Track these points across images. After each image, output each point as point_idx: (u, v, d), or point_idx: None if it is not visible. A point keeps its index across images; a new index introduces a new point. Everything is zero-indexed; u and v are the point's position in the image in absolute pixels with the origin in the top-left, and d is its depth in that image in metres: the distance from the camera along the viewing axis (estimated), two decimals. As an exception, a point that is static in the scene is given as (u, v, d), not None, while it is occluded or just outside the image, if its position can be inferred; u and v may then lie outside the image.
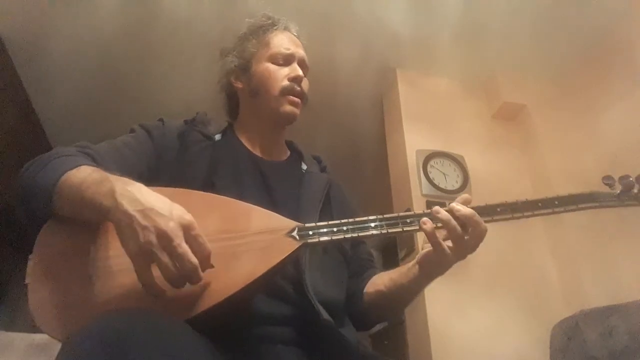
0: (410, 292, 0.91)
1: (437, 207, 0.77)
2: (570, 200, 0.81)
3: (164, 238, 0.60)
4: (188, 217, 0.64)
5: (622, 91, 2.25)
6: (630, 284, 1.92)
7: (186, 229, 0.63)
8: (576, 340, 1.72)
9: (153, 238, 0.60)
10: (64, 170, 0.72)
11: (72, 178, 0.71)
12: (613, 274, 2.04)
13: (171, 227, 0.61)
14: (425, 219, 0.76)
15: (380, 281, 0.95)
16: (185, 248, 0.61)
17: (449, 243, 0.77)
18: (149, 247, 0.60)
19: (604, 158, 2.21)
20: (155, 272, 0.62)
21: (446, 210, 0.76)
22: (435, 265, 0.82)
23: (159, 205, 0.63)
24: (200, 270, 0.62)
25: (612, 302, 1.70)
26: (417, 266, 0.86)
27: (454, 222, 0.75)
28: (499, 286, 2.13)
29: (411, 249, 2.21)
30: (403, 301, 0.96)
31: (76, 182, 0.70)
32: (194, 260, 0.61)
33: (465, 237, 0.76)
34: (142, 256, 0.61)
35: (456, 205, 0.76)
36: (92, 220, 0.71)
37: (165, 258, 0.60)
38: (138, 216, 0.62)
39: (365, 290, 0.96)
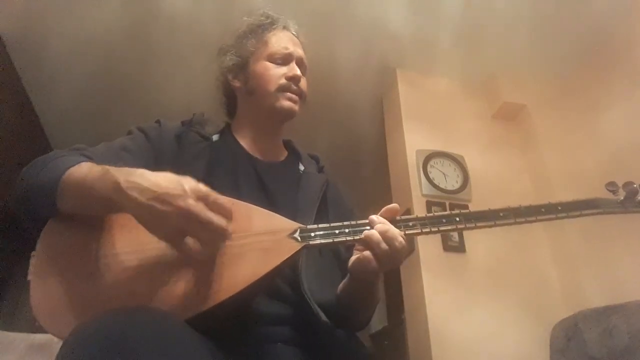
0: (353, 297, 0.87)
1: (372, 218, 0.76)
2: (573, 206, 0.81)
3: (189, 216, 0.62)
4: (201, 187, 0.65)
5: (623, 91, 2.25)
6: (630, 284, 1.92)
7: (204, 200, 0.64)
8: (576, 340, 1.72)
9: (179, 220, 0.62)
10: (65, 168, 0.73)
11: (75, 174, 0.72)
12: (613, 274, 2.04)
13: (191, 204, 0.62)
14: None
15: (341, 285, 0.92)
16: (210, 217, 0.63)
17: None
18: (178, 228, 0.62)
19: (604, 158, 2.21)
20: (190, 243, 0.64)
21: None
22: (363, 273, 0.79)
23: (169, 186, 0.64)
24: (229, 226, 0.64)
25: (612, 302, 1.70)
26: (348, 274, 0.84)
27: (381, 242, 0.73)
28: (499, 286, 2.12)
29: (411, 248, 2.21)
30: (353, 306, 0.91)
31: (79, 177, 0.71)
32: (221, 222, 0.63)
33: (387, 250, 0.74)
34: (175, 238, 0.64)
35: (375, 219, 0.76)
36: (99, 214, 0.71)
37: (199, 232, 0.63)
38: (156, 204, 0.62)
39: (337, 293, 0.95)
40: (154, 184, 0.64)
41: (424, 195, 2.30)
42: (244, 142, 1.05)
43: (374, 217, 0.77)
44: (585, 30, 2.37)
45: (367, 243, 0.74)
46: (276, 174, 1.01)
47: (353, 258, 0.80)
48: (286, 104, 1.01)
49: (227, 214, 0.65)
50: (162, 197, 0.62)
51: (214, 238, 0.64)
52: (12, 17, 2.33)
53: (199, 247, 0.64)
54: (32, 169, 0.77)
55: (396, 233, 0.74)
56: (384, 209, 0.78)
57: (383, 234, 0.73)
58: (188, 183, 0.65)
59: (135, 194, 0.63)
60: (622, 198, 0.83)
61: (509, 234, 2.15)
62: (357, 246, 0.80)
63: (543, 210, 0.80)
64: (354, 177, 3.25)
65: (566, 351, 1.75)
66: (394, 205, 0.78)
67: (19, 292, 2.95)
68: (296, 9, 2.20)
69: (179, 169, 0.89)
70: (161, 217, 0.62)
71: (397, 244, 0.73)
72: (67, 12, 2.32)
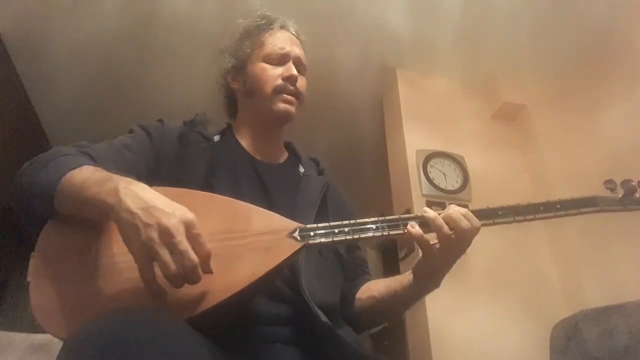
0: (404, 301, 0.91)
1: (425, 208, 0.79)
2: (572, 204, 0.82)
3: (166, 234, 0.61)
4: (190, 215, 0.64)
5: (622, 91, 2.25)
6: (630, 284, 1.92)
7: (188, 227, 0.63)
8: (576, 340, 1.72)
9: (155, 235, 0.60)
10: (66, 170, 0.73)
11: (74, 177, 0.71)
12: (613, 274, 2.04)
13: (173, 223, 0.61)
14: (412, 222, 0.77)
15: (374, 287, 0.95)
16: (186, 245, 0.61)
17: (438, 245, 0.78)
18: (150, 243, 0.60)
19: (604, 158, 2.21)
20: (158, 272, 0.62)
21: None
22: (428, 271, 0.83)
23: (162, 204, 0.64)
24: (199, 269, 0.62)
25: (612, 302, 1.70)
26: (411, 275, 0.86)
27: (440, 220, 0.77)
28: (499, 286, 2.13)
29: (411, 249, 2.21)
30: (396, 309, 0.96)
31: (78, 181, 0.70)
32: (195, 257, 0.61)
33: (452, 236, 0.77)
34: (144, 253, 0.61)
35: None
36: (93, 219, 0.71)
37: (165, 255, 0.60)
38: (141, 213, 0.62)
39: (357, 296, 0.96)
40: (148, 197, 0.65)
41: (424, 195, 2.30)
42: (245, 143, 1.05)
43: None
44: (585, 30, 2.37)
45: (434, 224, 0.77)
46: (276, 176, 1.01)
47: (417, 260, 0.83)
48: (282, 106, 1.01)
49: (203, 254, 0.63)
50: (149, 209, 0.62)
51: (179, 272, 0.61)
52: (12, 17, 2.32)
53: (151, 278, 0.62)
54: (32, 167, 0.76)
55: (460, 213, 0.77)
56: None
57: (448, 216, 0.77)
58: (180, 208, 0.65)
59: (128, 199, 0.64)
60: (620, 196, 0.84)
61: (508, 234, 2.15)
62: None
63: (542, 208, 0.81)
64: (354, 177, 3.25)
65: (566, 351, 1.75)
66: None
67: (18, 292, 2.95)
68: (296, 9, 2.18)
69: (180, 169, 0.90)
70: (139, 226, 0.61)
71: (463, 224, 0.76)
72: (67, 12, 2.32)
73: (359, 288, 0.98)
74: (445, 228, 0.76)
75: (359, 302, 0.96)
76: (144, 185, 0.68)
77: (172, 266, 0.61)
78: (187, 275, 0.62)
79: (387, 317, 0.98)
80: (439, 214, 0.78)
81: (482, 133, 2.62)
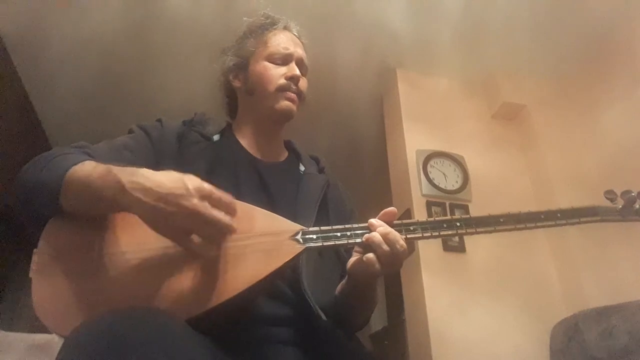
0: (351, 298, 0.88)
1: (372, 221, 0.78)
2: (572, 213, 0.83)
3: (194, 216, 0.63)
4: (204, 185, 0.66)
5: (622, 91, 2.25)
6: (630, 284, 1.92)
7: (208, 198, 0.65)
8: (576, 340, 1.72)
9: (184, 220, 0.63)
10: (68, 166, 0.72)
11: (78, 173, 0.71)
12: (613, 274, 2.04)
13: (195, 203, 0.63)
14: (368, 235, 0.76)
15: (339, 287, 0.93)
16: (214, 214, 0.64)
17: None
18: (183, 227, 0.64)
19: (604, 158, 2.21)
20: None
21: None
22: (363, 276, 0.80)
23: (173, 186, 0.64)
24: (231, 221, 0.66)
25: (612, 302, 1.70)
26: (347, 276, 0.85)
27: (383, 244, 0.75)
28: (499, 286, 2.13)
29: (411, 249, 2.21)
30: (352, 307, 0.92)
31: (82, 176, 0.70)
32: (226, 219, 0.65)
33: (391, 252, 0.75)
34: (180, 236, 0.65)
35: (375, 223, 0.77)
36: (102, 213, 0.71)
37: (204, 230, 0.65)
38: (161, 205, 0.63)
39: (335, 294, 0.95)
40: (157, 184, 0.65)
41: (424, 195, 2.30)
42: (245, 142, 1.05)
43: (373, 220, 0.78)
44: (585, 30, 2.37)
45: (369, 245, 0.75)
46: (277, 175, 1.01)
47: (352, 260, 0.81)
48: (284, 104, 1.01)
49: (230, 210, 0.67)
50: (166, 198, 0.63)
51: (220, 235, 0.66)
52: (12, 17, 2.32)
53: (206, 244, 0.66)
54: (34, 166, 0.76)
55: (397, 236, 0.75)
56: (381, 213, 0.79)
57: (384, 236, 0.75)
58: (191, 181, 0.65)
59: (139, 195, 0.64)
60: (620, 206, 0.85)
61: (509, 234, 2.14)
62: (357, 249, 0.81)
63: (542, 217, 0.82)
64: (354, 177, 3.25)
65: (566, 351, 1.75)
66: (391, 209, 0.79)
67: (19, 292, 2.95)
68: (296, 9, 2.20)
69: (179, 169, 0.90)
70: (167, 217, 0.63)
71: (398, 246, 0.75)
72: (67, 12, 2.32)
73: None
74: (385, 246, 0.75)
75: (334, 300, 0.93)
76: (144, 170, 0.68)
77: (215, 236, 0.66)
78: (226, 233, 0.66)
79: (350, 315, 0.92)
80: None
81: (482, 133, 2.62)
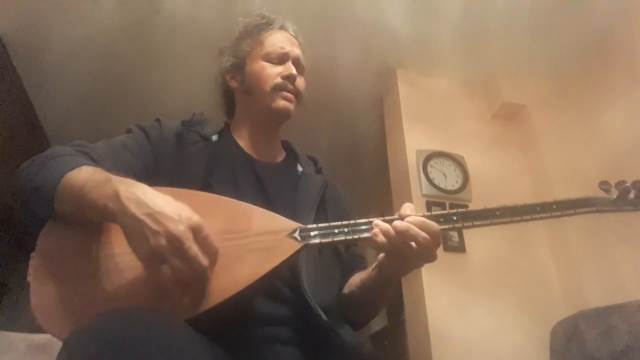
0: (375, 292, 0.89)
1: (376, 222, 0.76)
2: (568, 204, 0.83)
3: (175, 242, 0.61)
4: (196, 218, 0.64)
5: (622, 91, 2.25)
6: (630, 284, 1.93)
7: (195, 231, 0.63)
8: (576, 340, 1.72)
9: (164, 242, 0.60)
10: (64, 171, 0.72)
11: (74, 179, 0.71)
12: (613, 274, 2.04)
13: (181, 230, 0.61)
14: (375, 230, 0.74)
15: (354, 281, 0.94)
16: (195, 251, 0.62)
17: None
18: (160, 250, 0.61)
19: (604, 158, 2.21)
20: (165, 272, 0.63)
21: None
22: (393, 270, 0.81)
23: (167, 208, 0.63)
24: (208, 272, 0.63)
25: (612, 302, 1.70)
26: (377, 270, 0.85)
27: (395, 239, 0.73)
28: (499, 286, 2.12)
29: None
30: (372, 302, 0.94)
31: (78, 183, 0.70)
32: (204, 262, 0.62)
33: (415, 247, 0.74)
34: (153, 259, 0.62)
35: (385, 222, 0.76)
36: (95, 221, 0.71)
37: (176, 262, 0.61)
38: (147, 220, 0.62)
39: (343, 291, 0.96)
40: (152, 201, 0.64)
41: (424, 195, 2.30)
42: (243, 143, 1.05)
43: (403, 212, 0.76)
44: (585, 31, 2.37)
45: (405, 234, 0.73)
46: (275, 175, 1.01)
47: (380, 257, 0.81)
48: (281, 103, 1.01)
49: (212, 255, 0.64)
50: (155, 216, 0.62)
51: (189, 273, 0.62)
52: (12, 17, 2.32)
53: (171, 280, 0.63)
54: (31, 167, 0.76)
55: (435, 225, 0.74)
56: (405, 205, 0.78)
57: (420, 225, 0.73)
58: (185, 211, 0.64)
59: (131, 205, 0.63)
60: (614, 197, 0.85)
61: (508, 234, 2.15)
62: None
63: (538, 209, 0.82)
64: (354, 177, 3.25)
65: (566, 351, 1.75)
66: (408, 204, 0.79)
67: (19, 292, 2.95)
68: (296, 9, 2.20)
69: (178, 169, 0.90)
70: (148, 235, 0.61)
71: (434, 227, 0.74)
72: (67, 12, 2.32)
73: (346, 284, 0.98)
74: (406, 243, 0.74)
75: (344, 297, 0.95)
76: (145, 186, 0.68)
77: (184, 272, 0.61)
78: (199, 278, 0.63)
79: (367, 310, 0.96)
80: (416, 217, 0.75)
81: (482, 133, 2.62)
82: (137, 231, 0.62)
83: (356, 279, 0.93)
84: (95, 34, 2.43)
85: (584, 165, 2.31)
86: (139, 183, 0.68)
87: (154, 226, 0.61)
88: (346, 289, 0.95)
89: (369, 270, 0.89)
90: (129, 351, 0.50)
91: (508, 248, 2.20)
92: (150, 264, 0.62)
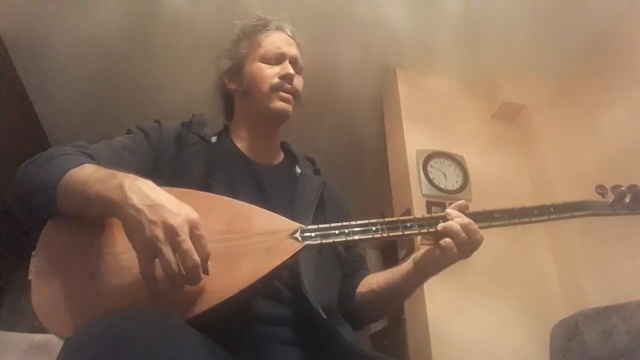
0: (403, 291, 0.93)
1: (449, 211, 0.82)
2: (565, 208, 0.85)
3: (171, 232, 0.61)
4: (195, 215, 0.65)
5: (622, 91, 2.25)
6: (630, 284, 1.92)
7: (192, 227, 0.64)
8: (576, 340, 1.72)
9: (159, 232, 0.61)
10: (67, 168, 0.73)
11: (77, 176, 0.72)
12: (613, 274, 2.04)
13: (178, 222, 0.62)
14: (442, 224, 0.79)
15: (373, 281, 0.96)
16: (189, 244, 0.62)
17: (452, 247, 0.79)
18: (154, 240, 0.61)
19: (604, 158, 2.21)
20: (159, 271, 0.62)
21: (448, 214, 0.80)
22: (435, 264, 0.84)
23: (167, 202, 0.64)
24: (200, 270, 0.63)
25: (612, 302, 1.70)
26: (412, 264, 0.87)
27: (461, 232, 0.79)
28: (499, 286, 2.13)
29: (411, 249, 2.21)
30: (395, 300, 0.98)
31: (81, 179, 0.71)
32: (197, 257, 0.62)
33: (469, 241, 0.79)
34: (148, 250, 0.62)
35: (452, 212, 0.81)
36: (97, 217, 0.71)
37: (169, 253, 0.61)
38: (146, 210, 0.63)
39: (357, 290, 0.97)
40: (155, 194, 0.65)
41: (424, 195, 2.30)
42: (241, 145, 1.05)
43: (450, 210, 0.82)
44: (585, 30, 2.37)
45: (446, 234, 0.79)
46: (273, 177, 1.01)
47: (421, 252, 0.84)
48: (279, 104, 1.01)
49: (203, 256, 0.64)
50: (155, 207, 0.63)
51: (180, 272, 0.62)
52: (12, 17, 2.32)
53: (162, 275, 0.62)
54: (31, 166, 0.76)
55: (476, 227, 0.79)
56: (454, 205, 0.83)
57: (464, 226, 0.78)
58: (185, 208, 0.66)
59: (133, 195, 0.64)
60: (610, 200, 0.87)
61: (508, 234, 2.14)
62: (424, 241, 0.85)
63: (536, 211, 0.83)
64: (354, 177, 3.25)
65: (566, 351, 1.75)
66: (462, 201, 0.84)
67: (19, 292, 2.95)
68: (296, 9, 2.20)
69: (178, 169, 0.90)
70: (144, 223, 0.62)
71: (478, 236, 0.79)
72: (67, 12, 2.32)
73: (359, 283, 0.99)
74: (464, 236, 0.79)
75: (360, 296, 0.96)
76: (149, 182, 0.69)
77: (174, 265, 0.61)
78: (188, 275, 0.62)
79: (387, 309, 1.01)
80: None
81: (482, 133, 2.62)
82: (135, 220, 0.63)
83: (377, 278, 0.96)
84: (95, 34, 2.43)
85: (583, 165, 2.30)
86: (145, 179, 0.69)
87: (152, 216, 0.62)
88: (362, 288, 0.97)
89: (396, 269, 0.92)
90: (130, 351, 0.50)
91: (508, 248, 2.19)
92: (144, 256, 0.62)
